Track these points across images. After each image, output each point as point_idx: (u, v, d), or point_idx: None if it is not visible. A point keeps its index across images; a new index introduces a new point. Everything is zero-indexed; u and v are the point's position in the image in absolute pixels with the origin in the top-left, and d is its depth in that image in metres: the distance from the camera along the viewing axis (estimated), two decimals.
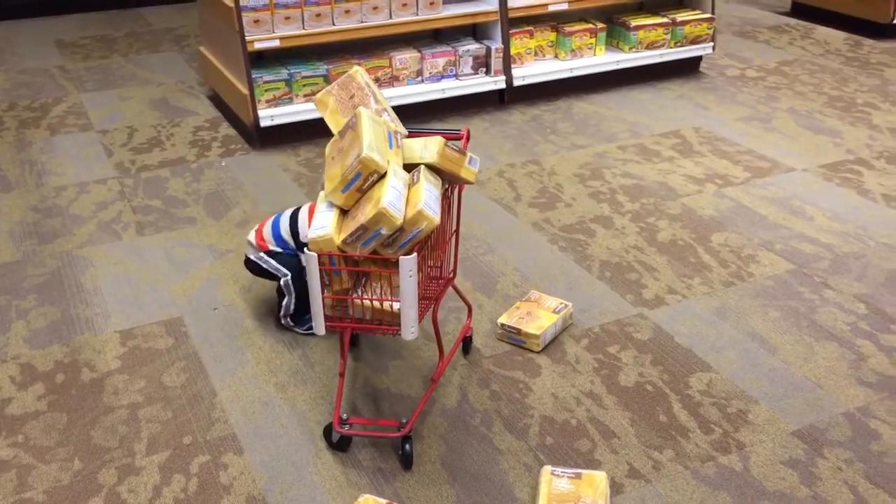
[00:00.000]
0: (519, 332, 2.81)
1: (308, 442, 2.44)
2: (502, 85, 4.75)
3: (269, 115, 4.27)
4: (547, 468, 2.26)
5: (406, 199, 2.14)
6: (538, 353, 2.79)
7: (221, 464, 2.37)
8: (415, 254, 2.12)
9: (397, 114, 2.44)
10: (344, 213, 2.21)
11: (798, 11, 6.62)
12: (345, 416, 2.39)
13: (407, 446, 2.33)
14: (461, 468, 2.35)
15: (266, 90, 4.26)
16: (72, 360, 2.79)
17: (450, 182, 2.37)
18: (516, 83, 4.78)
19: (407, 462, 2.34)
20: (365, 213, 2.08)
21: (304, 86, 4.31)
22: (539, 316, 2.85)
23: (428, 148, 2.26)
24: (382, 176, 2.14)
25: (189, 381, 2.70)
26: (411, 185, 2.19)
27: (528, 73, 4.82)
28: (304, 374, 2.72)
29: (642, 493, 2.27)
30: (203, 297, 3.13)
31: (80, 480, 2.32)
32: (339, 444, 2.40)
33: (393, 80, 4.51)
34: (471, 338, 2.82)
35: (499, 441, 2.44)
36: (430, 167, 2.25)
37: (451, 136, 2.41)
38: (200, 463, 2.37)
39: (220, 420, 2.53)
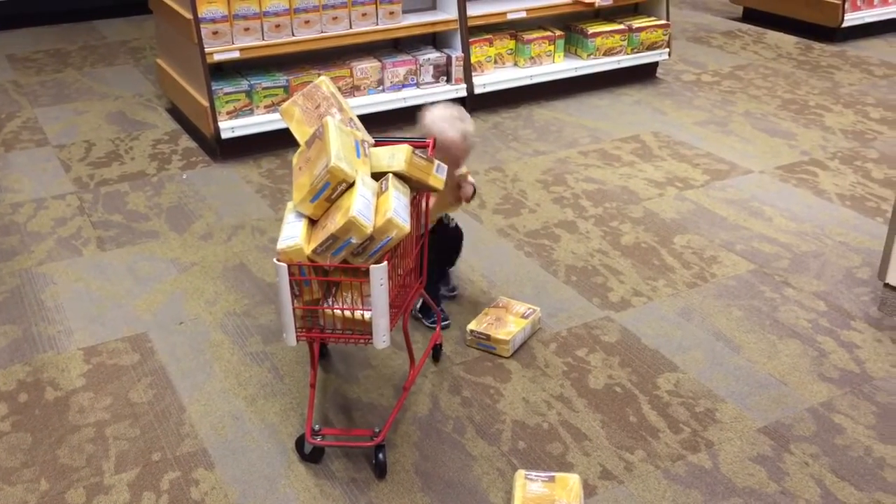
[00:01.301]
0: (488, 337, 2.82)
1: (280, 454, 2.43)
2: (463, 93, 4.77)
3: (230, 127, 4.24)
4: (520, 472, 2.27)
5: (375, 207, 2.14)
6: (508, 358, 2.81)
7: (192, 479, 2.34)
8: (385, 262, 2.12)
9: None
10: (313, 222, 2.20)
11: (749, 17, 6.75)
12: (317, 427, 2.38)
13: (380, 455, 2.33)
14: (435, 475, 2.35)
15: (226, 102, 4.23)
16: (35, 380, 2.73)
17: (417, 190, 2.37)
18: (477, 91, 4.81)
19: (381, 471, 2.33)
20: (335, 223, 2.08)
21: (264, 97, 4.29)
22: (508, 321, 2.87)
23: (396, 156, 2.27)
24: (351, 185, 2.15)
25: (156, 396, 2.66)
26: (380, 193, 2.19)
27: (488, 80, 4.85)
28: (273, 387, 2.70)
29: (615, 494, 2.29)
30: (168, 311, 3.09)
31: (47, 501, 2.27)
32: (311, 455, 2.39)
33: (354, 90, 4.51)
34: (440, 345, 2.82)
35: (471, 447, 2.45)
36: (398, 175, 2.26)
37: (417, 145, 2.42)
38: (171, 479, 2.34)
39: (190, 435, 2.50)
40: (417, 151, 2.28)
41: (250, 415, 2.58)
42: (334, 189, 2.12)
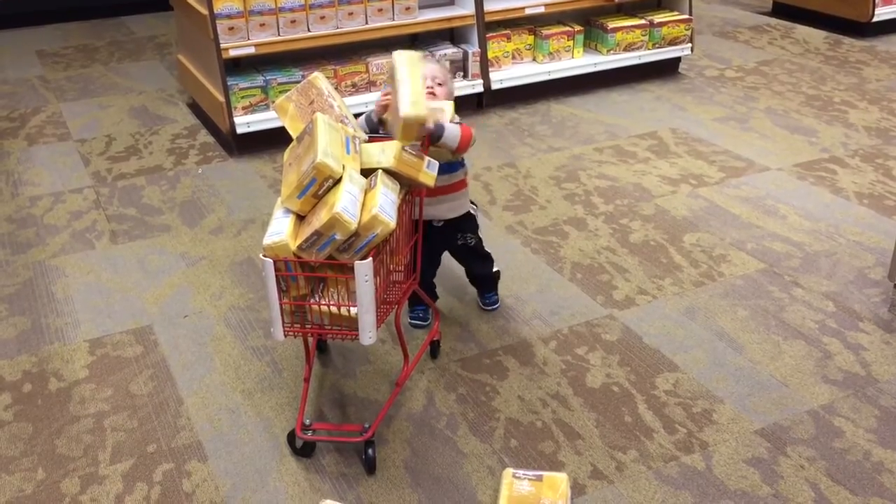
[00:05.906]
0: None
1: (273, 448, 2.44)
2: (480, 89, 4.76)
3: (246, 122, 4.27)
4: (508, 471, 2.26)
5: (362, 203, 2.14)
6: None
7: (185, 471, 2.37)
8: (370, 258, 2.12)
9: None
10: (301, 218, 2.21)
11: (779, 11, 6.63)
12: (307, 422, 2.39)
13: (370, 451, 2.33)
14: (425, 472, 2.35)
15: (242, 97, 4.26)
16: (40, 370, 2.79)
17: (409, 186, 2.37)
18: (494, 87, 4.79)
19: (370, 467, 2.34)
20: (319, 219, 2.09)
21: (279, 92, 4.30)
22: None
23: (385, 152, 2.26)
24: (338, 181, 2.15)
25: (156, 389, 2.70)
26: (368, 189, 2.19)
27: (505, 76, 4.83)
28: (271, 381, 2.72)
29: (604, 494, 2.27)
30: (174, 304, 3.13)
31: (42, 490, 2.32)
32: (302, 449, 2.40)
33: (370, 86, 4.52)
34: (439, 341, 2.82)
35: (463, 444, 2.45)
36: (388, 172, 2.26)
37: None
38: (164, 471, 2.37)
39: (186, 428, 2.53)
40: (408, 148, 2.28)
41: (246, 408, 2.60)
42: (321, 185, 2.13)
